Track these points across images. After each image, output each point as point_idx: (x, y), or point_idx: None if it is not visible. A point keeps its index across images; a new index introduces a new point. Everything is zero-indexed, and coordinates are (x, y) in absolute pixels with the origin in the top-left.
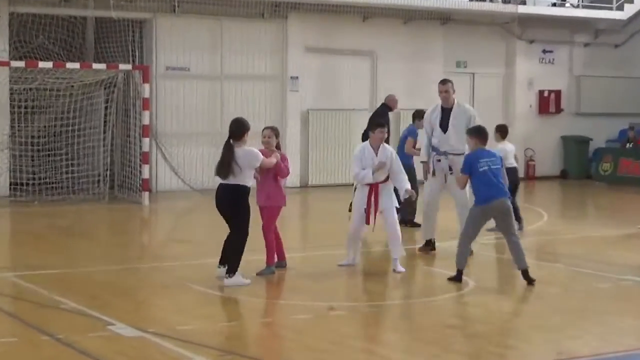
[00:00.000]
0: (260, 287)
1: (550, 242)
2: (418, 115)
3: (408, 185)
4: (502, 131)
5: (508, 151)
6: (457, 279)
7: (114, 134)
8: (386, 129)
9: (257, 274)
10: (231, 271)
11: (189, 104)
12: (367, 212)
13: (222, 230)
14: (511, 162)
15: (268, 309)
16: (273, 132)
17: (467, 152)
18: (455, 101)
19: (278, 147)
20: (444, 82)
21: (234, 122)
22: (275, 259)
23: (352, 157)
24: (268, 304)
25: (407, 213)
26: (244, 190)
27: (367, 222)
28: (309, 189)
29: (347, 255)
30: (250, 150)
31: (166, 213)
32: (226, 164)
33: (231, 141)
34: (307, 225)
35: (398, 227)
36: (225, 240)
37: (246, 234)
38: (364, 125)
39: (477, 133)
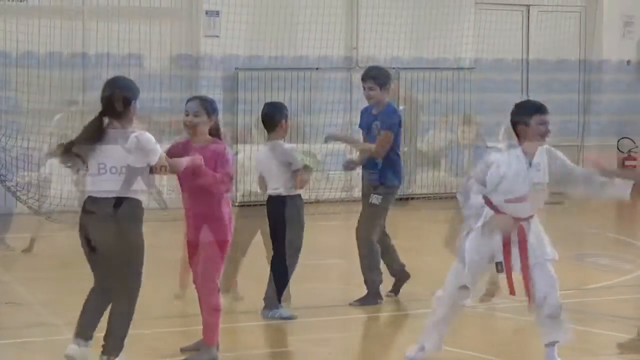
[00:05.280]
0: None
1: None
2: None
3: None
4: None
5: None
6: None
7: None
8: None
9: None
10: (112, 352)
11: (24, 57)
12: (506, 271)
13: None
14: None
15: None
16: (202, 107)
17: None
18: None
19: (217, 133)
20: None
21: (112, 84)
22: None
23: (476, 162)
24: None
25: None
26: (133, 207)
27: (512, 292)
28: (238, 209)
29: (423, 341)
30: (139, 133)
31: None
32: (92, 138)
33: (104, 118)
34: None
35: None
36: (111, 312)
37: (134, 290)
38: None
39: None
